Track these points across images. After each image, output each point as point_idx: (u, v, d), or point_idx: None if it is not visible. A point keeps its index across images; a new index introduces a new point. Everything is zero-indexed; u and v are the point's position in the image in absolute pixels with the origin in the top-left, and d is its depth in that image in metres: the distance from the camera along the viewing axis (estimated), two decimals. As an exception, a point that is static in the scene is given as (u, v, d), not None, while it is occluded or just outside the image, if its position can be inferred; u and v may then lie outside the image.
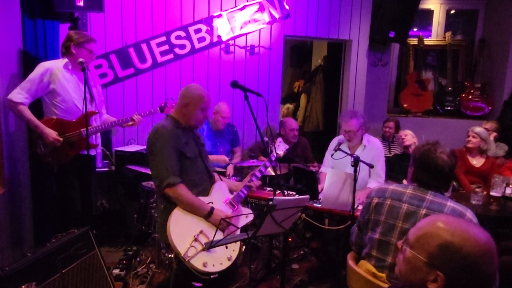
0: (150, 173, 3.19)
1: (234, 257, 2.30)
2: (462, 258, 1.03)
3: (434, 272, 1.06)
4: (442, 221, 1.11)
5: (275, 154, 2.62)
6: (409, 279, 1.13)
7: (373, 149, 3.28)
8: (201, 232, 2.22)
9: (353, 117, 3.25)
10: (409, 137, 3.98)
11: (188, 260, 2.10)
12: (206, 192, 2.38)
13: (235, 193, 2.50)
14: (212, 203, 2.33)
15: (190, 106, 2.36)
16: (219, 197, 2.43)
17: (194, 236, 2.19)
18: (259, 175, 2.54)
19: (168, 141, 2.24)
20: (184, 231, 2.18)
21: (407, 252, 1.13)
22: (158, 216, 2.44)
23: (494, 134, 4.51)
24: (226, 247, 2.27)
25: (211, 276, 2.17)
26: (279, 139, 2.69)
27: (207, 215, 2.26)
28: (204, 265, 2.14)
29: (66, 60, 3.05)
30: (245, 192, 2.50)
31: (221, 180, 2.52)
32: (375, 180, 3.26)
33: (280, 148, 2.67)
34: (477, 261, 1.03)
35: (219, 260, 2.22)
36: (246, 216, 2.47)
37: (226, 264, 2.25)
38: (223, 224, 2.20)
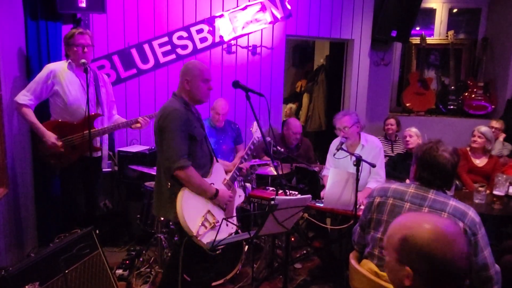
0: (152, 173, 3.24)
1: (233, 232, 2.46)
2: (418, 247, 1.05)
3: (404, 268, 1.08)
4: (404, 217, 1.15)
5: (255, 139, 2.71)
6: (394, 282, 1.15)
7: (371, 149, 3.27)
8: (208, 211, 2.37)
9: (346, 115, 3.27)
10: (414, 138, 3.89)
11: (200, 238, 2.24)
12: (207, 173, 2.48)
13: (229, 174, 2.64)
14: (213, 183, 2.45)
15: (192, 81, 2.40)
16: (218, 177, 2.56)
17: (203, 216, 2.33)
18: (246, 157, 2.69)
19: (180, 123, 2.28)
20: (195, 212, 2.30)
21: (386, 256, 1.17)
22: (160, 191, 2.43)
23: (503, 135, 4.48)
24: (227, 225, 2.42)
25: (217, 252, 2.34)
26: (254, 124, 2.73)
27: (213, 196, 2.39)
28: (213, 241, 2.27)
29: (68, 61, 3.06)
30: (238, 173, 2.66)
31: (217, 161, 2.64)
32: (374, 179, 3.24)
33: (257, 134, 2.74)
34: (433, 248, 1.03)
35: (223, 236, 2.32)
36: (239, 196, 2.71)
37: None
38: (226, 203, 2.47)
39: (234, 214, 2.64)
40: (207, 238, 2.27)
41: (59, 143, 2.96)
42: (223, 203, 2.47)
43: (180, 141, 2.28)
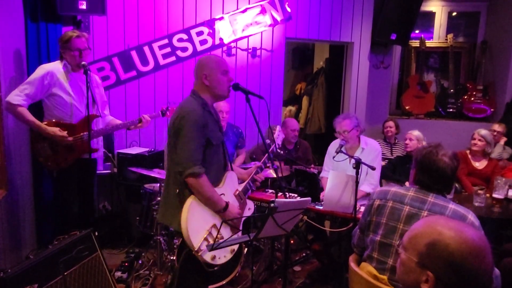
0: (151, 175, 3.24)
1: (236, 249, 2.34)
2: (448, 256, 1.02)
3: (425, 272, 1.06)
4: (433, 221, 1.11)
5: (277, 145, 2.61)
6: (405, 282, 1.13)
7: (371, 152, 3.28)
8: (214, 225, 2.21)
9: (346, 118, 3.28)
10: (413, 142, 3.86)
11: (201, 254, 2.11)
12: (219, 182, 2.32)
13: (242, 184, 2.46)
14: (224, 194, 2.29)
15: (212, 75, 2.25)
16: (230, 188, 2.38)
17: (208, 230, 2.18)
18: (264, 166, 2.51)
19: (197, 127, 2.13)
20: (199, 225, 2.16)
21: (402, 255, 1.14)
22: (167, 198, 2.31)
23: (504, 138, 4.49)
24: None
25: (215, 268, 2.24)
26: (278, 127, 2.66)
27: (222, 210, 2.22)
28: (213, 258, 2.17)
29: (63, 62, 3.02)
30: (252, 185, 2.48)
31: (231, 169, 2.47)
32: (367, 181, 3.24)
33: (280, 138, 2.66)
34: (465, 259, 1.01)
35: (224, 253, 2.26)
36: (248, 209, 2.49)
37: (230, 256, 2.31)
38: (233, 221, 2.27)
39: (241, 228, 2.43)
40: (207, 255, 2.15)
41: (65, 133, 2.92)
42: (229, 219, 2.25)
43: (195, 146, 2.13)
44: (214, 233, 2.18)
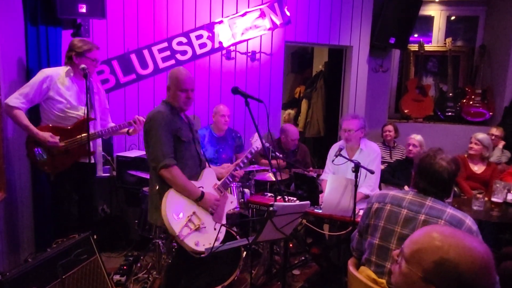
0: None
1: (221, 238, 2.41)
2: (458, 275, 1.01)
3: (428, 286, 1.05)
4: (437, 235, 1.08)
5: (254, 149, 2.71)
6: None
7: (370, 154, 3.28)
8: (194, 213, 2.39)
9: (355, 118, 3.31)
10: (417, 149, 3.84)
11: (182, 239, 2.26)
12: (196, 177, 2.52)
13: (222, 180, 2.64)
14: (202, 187, 2.48)
15: (172, 89, 2.50)
16: (209, 182, 2.58)
17: (188, 217, 2.34)
18: (242, 165, 2.68)
19: (163, 124, 2.35)
20: (178, 212, 2.33)
21: (403, 266, 1.11)
22: (151, 197, 2.53)
23: (503, 142, 4.50)
24: (215, 229, 2.44)
25: (201, 255, 2.29)
26: (255, 135, 2.73)
27: (199, 198, 2.41)
28: (196, 244, 2.31)
29: (68, 68, 3.04)
30: (230, 180, 2.65)
31: (210, 167, 2.68)
32: (366, 183, 3.24)
33: (256, 144, 2.73)
34: (475, 278, 1.01)
35: (209, 240, 2.35)
36: (231, 202, 2.70)
37: (215, 242, 2.35)
38: (212, 207, 2.46)
39: (224, 219, 2.63)
40: (190, 240, 2.30)
41: (56, 139, 2.93)
42: (208, 207, 2.46)
43: (164, 141, 2.34)
44: (195, 220, 2.37)
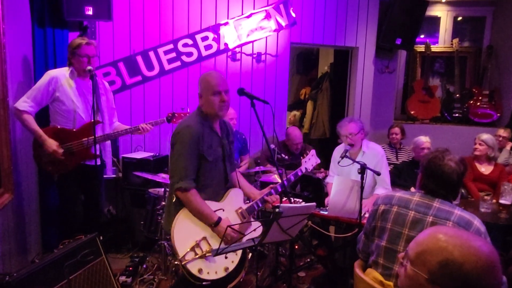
0: (156, 180, 3.25)
1: (231, 269, 2.27)
2: (463, 276, 1.01)
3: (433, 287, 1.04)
4: (441, 236, 1.07)
5: (303, 169, 2.57)
6: None
7: (373, 155, 3.26)
8: (203, 238, 2.21)
9: (351, 122, 3.27)
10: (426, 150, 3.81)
11: (184, 263, 2.12)
12: (219, 197, 2.33)
13: (249, 203, 2.40)
14: (223, 210, 2.28)
15: (203, 95, 2.28)
16: (232, 205, 2.36)
17: (196, 241, 2.18)
18: (279, 189, 2.43)
19: (189, 142, 2.18)
20: (187, 234, 2.18)
21: (408, 268, 1.11)
22: (167, 205, 2.41)
23: (510, 144, 4.45)
24: (226, 257, 2.24)
25: (203, 283, 2.17)
26: (313, 151, 2.62)
27: (214, 224, 2.20)
28: (199, 271, 2.14)
29: (70, 69, 3.04)
30: (260, 205, 2.41)
31: (240, 185, 2.45)
32: (382, 186, 3.23)
33: (311, 162, 2.61)
34: (480, 278, 1.00)
35: (215, 268, 2.20)
36: (254, 230, 2.29)
37: (221, 274, 2.23)
38: (227, 236, 2.11)
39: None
40: (193, 266, 2.13)
41: (60, 151, 2.95)
42: (221, 236, 2.11)
43: (186, 161, 2.18)
44: (204, 246, 2.19)
